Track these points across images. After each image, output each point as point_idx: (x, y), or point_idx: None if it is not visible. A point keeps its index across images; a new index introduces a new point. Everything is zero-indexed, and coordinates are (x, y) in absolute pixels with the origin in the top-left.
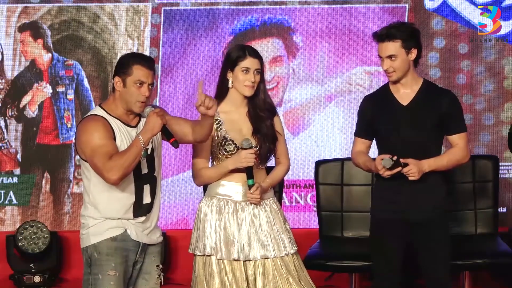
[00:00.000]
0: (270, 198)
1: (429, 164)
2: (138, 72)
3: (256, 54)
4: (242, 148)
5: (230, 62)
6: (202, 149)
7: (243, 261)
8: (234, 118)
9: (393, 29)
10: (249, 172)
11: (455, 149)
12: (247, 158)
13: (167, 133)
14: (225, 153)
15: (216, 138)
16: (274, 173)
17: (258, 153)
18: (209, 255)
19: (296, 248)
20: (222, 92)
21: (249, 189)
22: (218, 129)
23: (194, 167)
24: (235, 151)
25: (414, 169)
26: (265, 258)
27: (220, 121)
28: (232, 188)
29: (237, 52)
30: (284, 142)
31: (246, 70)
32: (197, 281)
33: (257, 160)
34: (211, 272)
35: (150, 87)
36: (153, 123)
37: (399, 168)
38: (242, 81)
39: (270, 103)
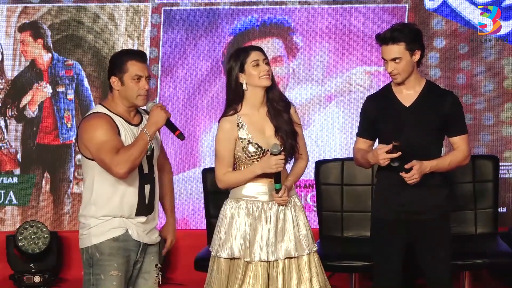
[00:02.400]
0: (294, 196)
1: (431, 166)
2: (133, 67)
3: (256, 47)
4: (272, 154)
5: (237, 66)
6: (225, 153)
7: (267, 262)
8: (255, 120)
9: (397, 31)
10: (277, 177)
11: (457, 151)
12: (277, 164)
13: (171, 126)
14: (249, 155)
15: (241, 142)
16: (295, 169)
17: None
18: (236, 258)
19: (316, 246)
20: (236, 98)
21: (277, 192)
22: (240, 131)
23: (217, 171)
24: (259, 152)
25: (416, 175)
26: (288, 258)
27: (243, 124)
28: (257, 189)
29: (239, 55)
30: (303, 135)
31: (257, 63)
32: (215, 282)
33: (287, 168)
34: (235, 275)
35: (147, 80)
36: (157, 116)
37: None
38: (256, 75)
39: (283, 94)
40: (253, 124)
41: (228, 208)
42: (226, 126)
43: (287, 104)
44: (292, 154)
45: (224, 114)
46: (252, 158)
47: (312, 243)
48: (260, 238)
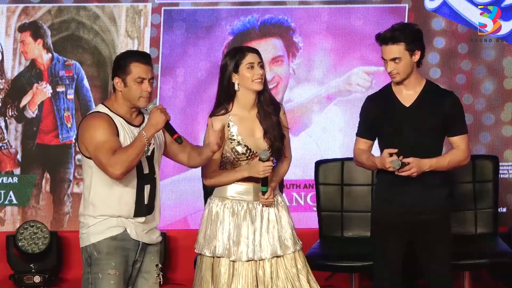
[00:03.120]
0: (277, 195)
1: (431, 163)
2: (137, 69)
3: (253, 49)
4: (260, 160)
5: (232, 65)
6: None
7: (254, 261)
8: (246, 121)
9: (397, 31)
10: (264, 181)
11: (457, 151)
12: (265, 171)
13: (170, 129)
14: (237, 155)
15: (230, 142)
16: (280, 171)
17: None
18: (220, 257)
19: (301, 243)
20: (227, 97)
21: (263, 194)
22: (230, 132)
23: (205, 169)
24: (247, 154)
25: (413, 169)
26: (274, 257)
27: (233, 124)
28: (242, 188)
29: (235, 55)
30: (289, 137)
31: (251, 66)
32: (203, 282)
33: (273, 169)
34: (219, 274)
35: (150, 82)
36: (157, 119)
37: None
38: (250, 77)
39: (273, 97)
40: (243, 125)
41: (213, 206)
42: (217, 125)
43: (277, 107)
44: (278, 156)
45: (215, 113)
46: (240, 158)
47: (296, 241)
48: (246, 238)
